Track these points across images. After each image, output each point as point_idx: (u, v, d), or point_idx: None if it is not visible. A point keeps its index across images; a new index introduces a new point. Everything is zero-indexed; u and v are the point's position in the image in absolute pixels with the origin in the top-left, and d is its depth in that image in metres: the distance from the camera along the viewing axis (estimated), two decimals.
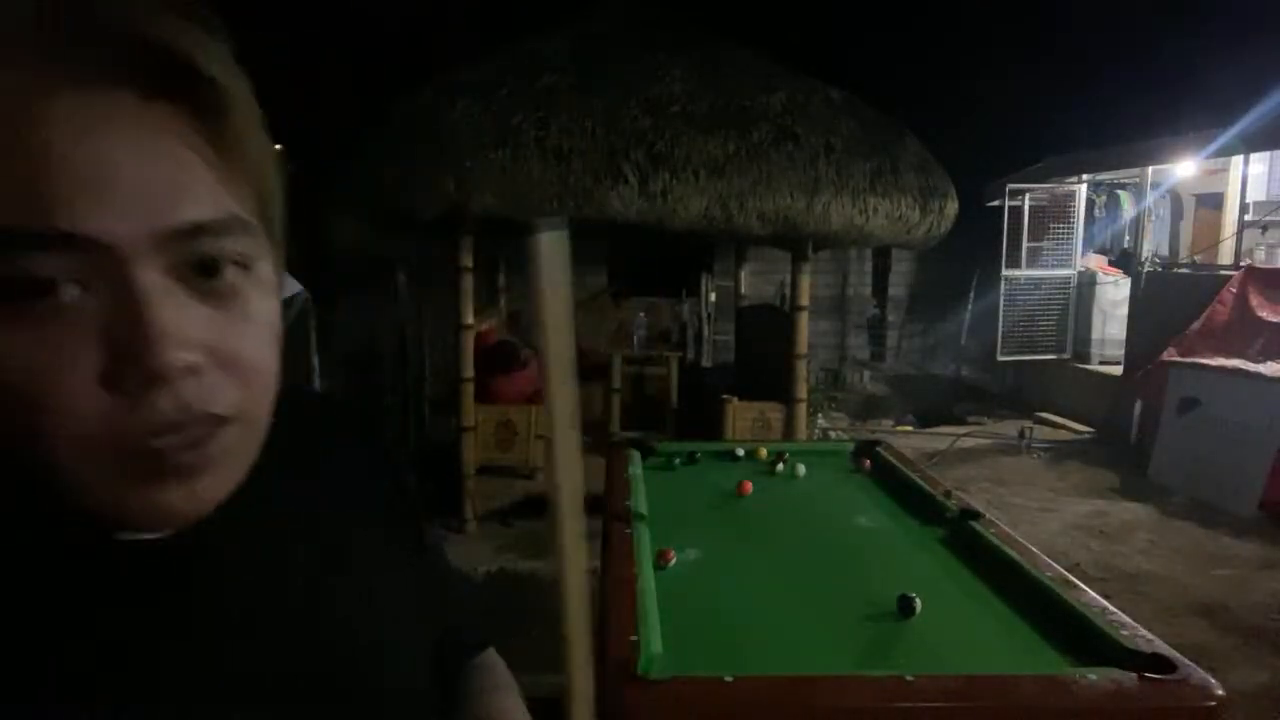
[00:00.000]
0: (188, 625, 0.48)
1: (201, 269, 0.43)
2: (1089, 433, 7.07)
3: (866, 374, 9.11)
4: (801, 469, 2.92)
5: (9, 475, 0.43)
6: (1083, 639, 1.62)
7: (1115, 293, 7.65)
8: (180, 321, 0.41)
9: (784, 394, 4.85)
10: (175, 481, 0.43)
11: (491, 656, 0.78)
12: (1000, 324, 7.95)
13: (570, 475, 0.42)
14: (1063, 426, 7.31)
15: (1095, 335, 7.82)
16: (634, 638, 1.55)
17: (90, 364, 0.40)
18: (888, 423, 7.72)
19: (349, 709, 0.52)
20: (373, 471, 0.66)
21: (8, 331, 0.39)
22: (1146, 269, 7.03)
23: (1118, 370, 7.20)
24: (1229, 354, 5.69)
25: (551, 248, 0.41)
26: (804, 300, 4.78)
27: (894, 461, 2.93)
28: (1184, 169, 7.20)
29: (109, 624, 0.45)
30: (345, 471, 0.63)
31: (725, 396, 4.98)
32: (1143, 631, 1.59)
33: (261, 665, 0.49)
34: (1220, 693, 1.40)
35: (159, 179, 0.41)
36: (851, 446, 3.27)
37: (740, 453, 3.17)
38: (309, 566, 0.53)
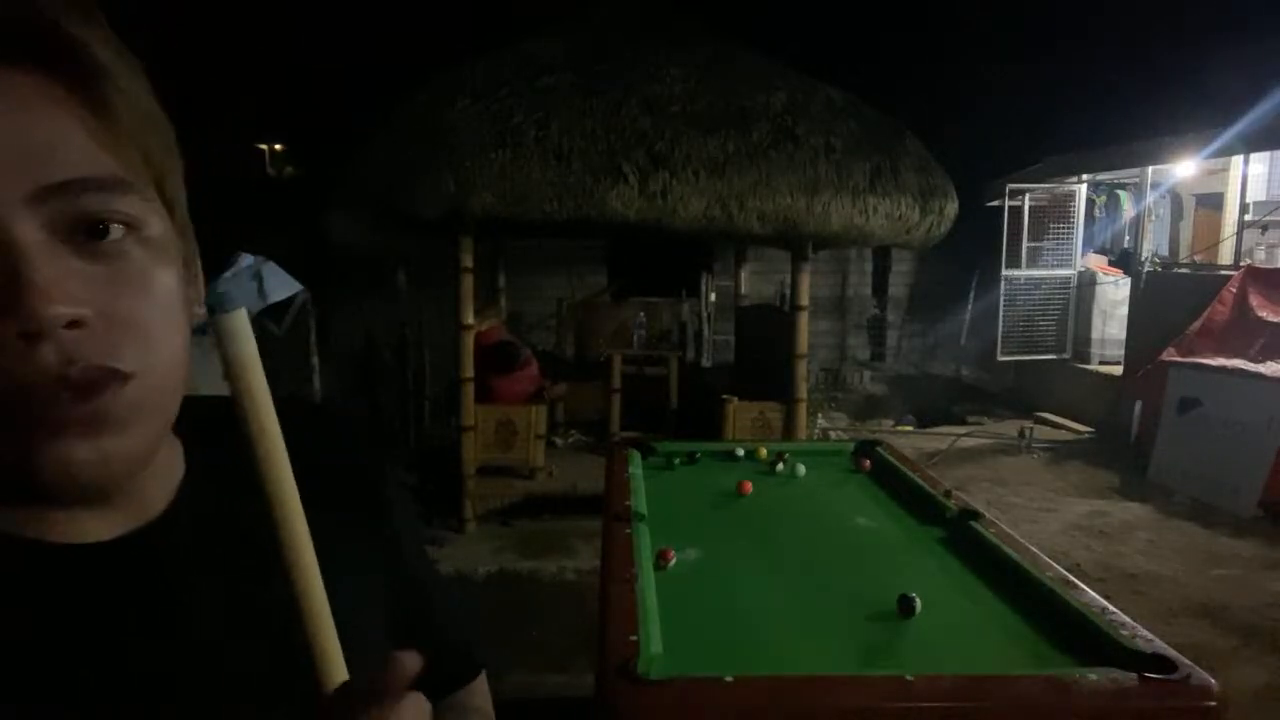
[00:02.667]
0: (138, 627, 0.48)
1: (88, 230, 0.43)
2: (1089, 433, 7.07)
3: (866, 374, 9.11)
4: (801, 469, 2.92)
5: None
6: (1083, 639, 1.62)
7: (1115, 293, 7.65)
8: (61, 277, 0.41)
9: (784, 394, 4.86)
10: (79, 437, 0.43)
11: (468, 695, 0.74)
12: (1000, 324, 7.95)
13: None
14: (1063, 426, 7.31)
15: (1095, 335, 7.82)
16: (634, 638, 1.55)
17: None
18: (888, 423, 7.72)
19: (291, 711, 0.50)
20: (352, 480, 0.65)
21: None
22: (1146, 269, 7.03)
23: (1118, 370, 7.20)
24: (1229, 354, 5.69)
25: (236, 327, 0.40)
26: (804, 300, 4.78)
27: (894, 461, 2.93)
28: (1184, 169, 7.20)
29: (64, 626, 0.46)
30: (322, 479, 0.61)
31: (725, 396, 4.98)
32: (1143, 631, 1.59)
33: (203, 666, 0.49)
34: (1220, 692, 1.40)
35: (29, 140, 0.41)
36: (851, 446, 3.27)
37: (740, 453, 3.17)
38: (260, 571, 0.51)
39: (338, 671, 0.43)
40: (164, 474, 0.54)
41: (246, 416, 0.40)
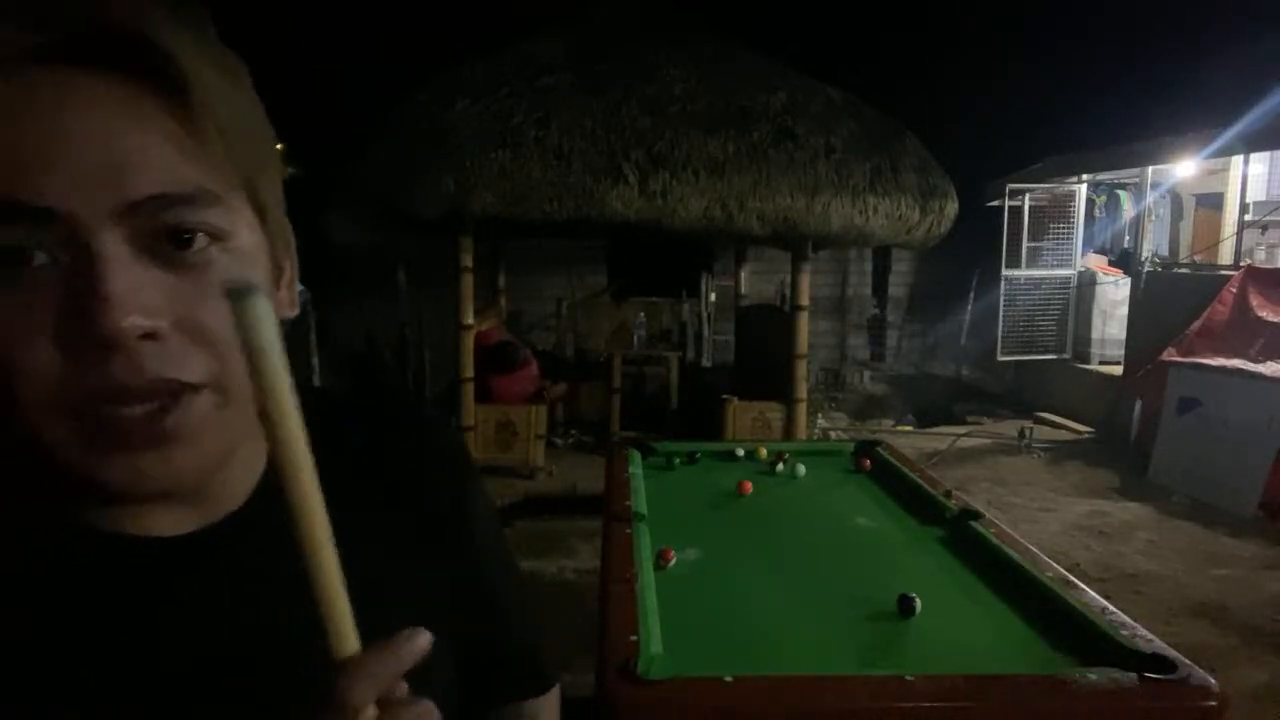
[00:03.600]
0: (214, 617, 0.49)
1: (173, 240, 0.44)
2: (1089, 433, 7.06)
3: (866, 374, 9.11)
4: (801, 469, 2.92)
5: (13, 458, 0.44)
6: (1083, 639, 1.62)
7: (1115, 293, 7.65)
8: (138, 289, 0.42)
9: (784, 394, 4.85)
10: (147, 449, 0.44)
11: (534, 707, 0.73)
12: (1000, 324, 7.95)
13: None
14: (1063, 426, 7.31)
15: (1095, 335, 7.81)
16: (634, 638, 1.55)
17: (48, 327, 0.41)
18: (888, 423, 7.71)
19: None
20: (431, 487, 0.64)
21: None
22: (1146, 269, 7.02)
23: (1118, 370, 7.19)
24: (1229, 354, 5.69)
25: (257, 309, 0.39)
26: (804, 300, 4.78)
27: (894, 461, 2.93)
28: (1184, 169, 7.20)
29: (142, 617, 0.47)
30: (398, 481, 0.62)
31: (725, 396, 4.98)
32: (1143, 631, 1.59)
33: (275, 656, 0.49)
34: (1220, 692, 1.40)
35: (116, 153, 0.42)
36: (851, 446, 3.27)
37: (740, 453, 3.17)
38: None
39: (349, 644, 0.41)
40: (247, 467, 0.54)
41: (267, 399, 0.40)
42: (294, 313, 0.55)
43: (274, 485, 0.48)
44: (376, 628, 0.43)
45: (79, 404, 0.42)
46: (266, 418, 0.40)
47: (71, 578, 0.47)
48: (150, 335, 0.42)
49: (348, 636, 0.41)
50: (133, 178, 0.42)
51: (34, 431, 0.42)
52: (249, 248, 0.48)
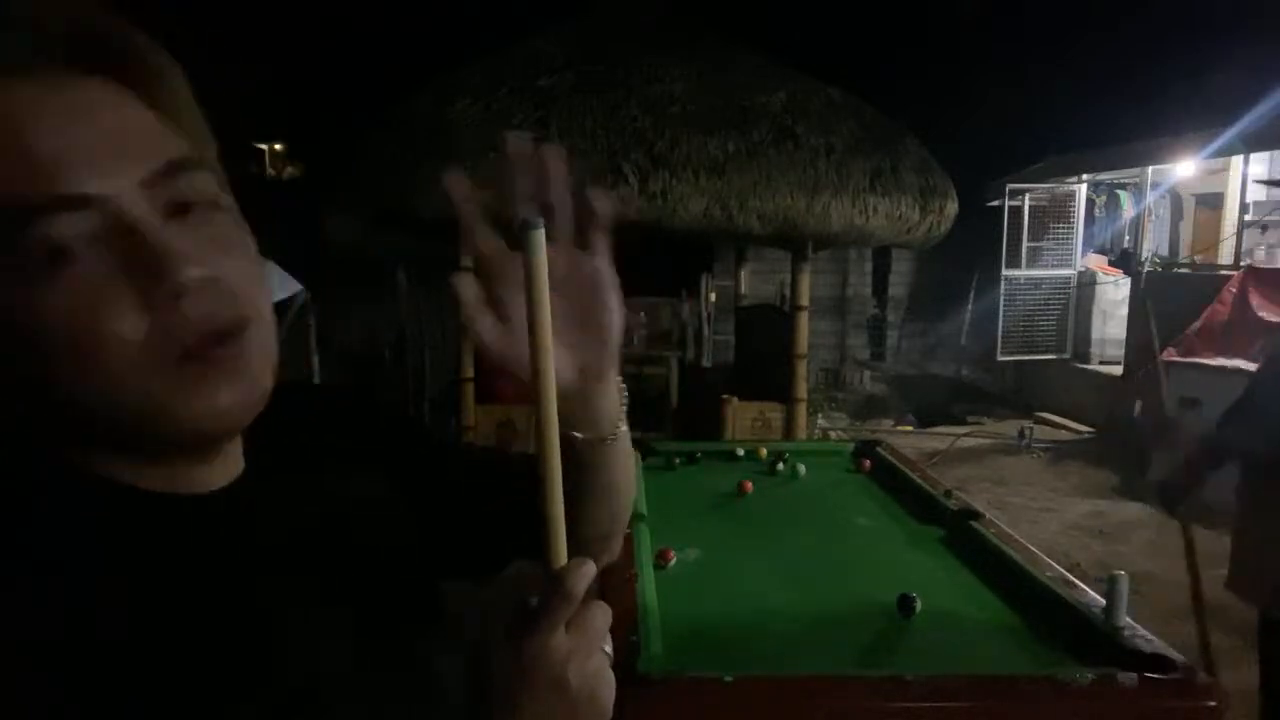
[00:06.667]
0: (250, 565, 0.54)
1: (179, 207, 0.49)
2: (1089, 433, 7.06)
3: (866, 374, 9.11)
4: (801, 469, 2.92)
5: (71, 438, 0.49)
6: (1083, 639, 1.62)
7: (1115, 293, 7.65)
8: (182, 244, 0.47)
9: (784, 394, 4.85)
10: (225, 383, 0.50)
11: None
12: (1000, 324, 7.95)
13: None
14: (1063, 426, 7.31)
15: (1095, 335, 7.81)
16: (634, 638, 1.55)
17: (122, 295, 0.46)
18: (888, 423, 7.71)
19: (383, 657, 0.59)
20: (370, 435, 0.71)
21: (42, 295, 0.45)
22: (1146, 269, 7.02)
23: (1118, 370, 7.19)
24: (1229, 354, 5.69)
25: (540, 239, 0.49)
26: (804, 300, 4.77)
27: (894, 461, 2.93)
28: (1184, 169, 7.20)
29: (209, 565, 0.51)
30: (344, 443, 0.68)
31: (725, 396, 4.97)
32: (1143, 631, 1.59)
33: (328, 599, 0.57)
34: (1220, 692, 1.40)
35: (126, 137, 0.48)
36: (851, 446, 3.27)
37: (740, 453, 3.17)
38: (326, 513, 0.61)
39: (560, 555, 0.51)
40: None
41: (534, 315, 0.49)
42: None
43: (261, 447, 0.57)
44: (368, 554, 0.58)
45: (169, 351, 0.47)
46: (533, 333, 0.50)
47: (148, 540, 0.50)
48: (211, 280, 0.48)
49: (562, 551, 0.51)
50: (147, 151, 0.48)
51: (122, 393, 0.47)
52: (232, 209, 0.54)
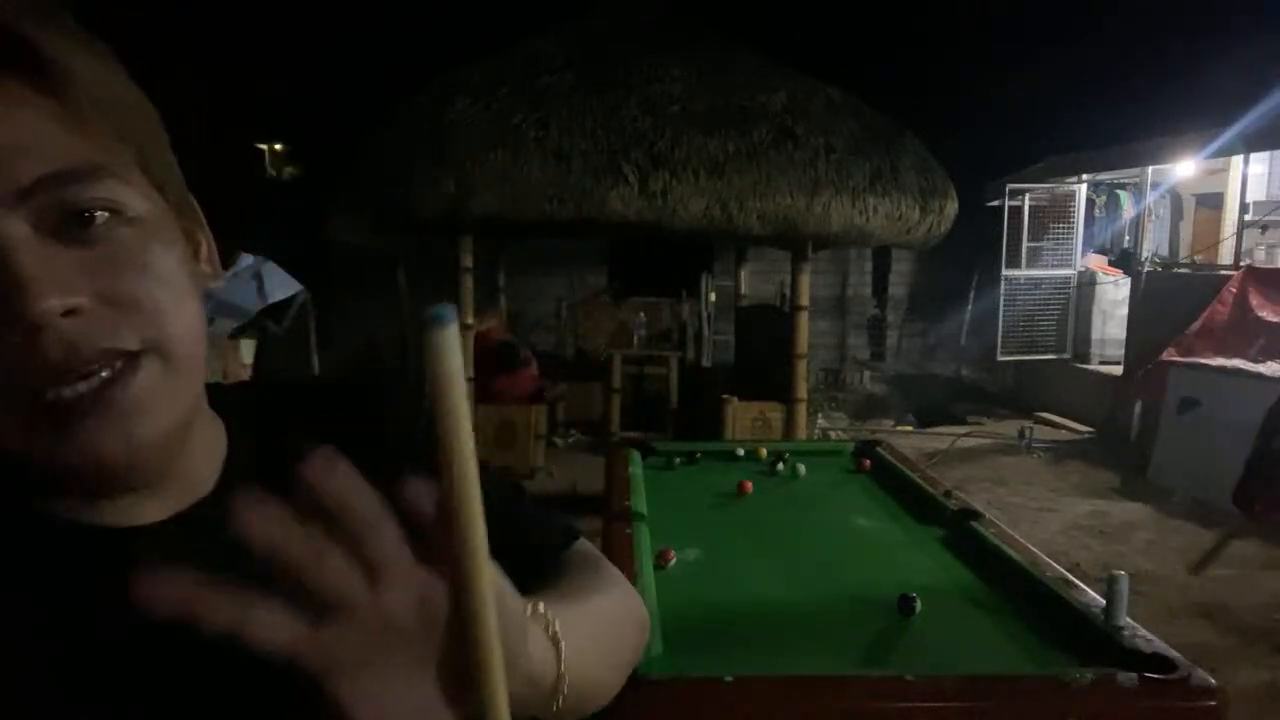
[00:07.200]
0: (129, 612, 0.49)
1: (75, 220, 0.44)
2: (1089, 433, 7.06)
3: (866, 374, 9.11)
4: (801, 469, 2.92)
5: None
6: (1083, 639, 1.62)
7: (1115, 293, 7.65)
8: (51, 270, 0.42)
9: (784, 394, 4.85)
10: (100, 422, 0.44)
11: (571, 553, 0.72)
12: (1000, 324, 7.95)
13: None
14: (1063, 426, 7.31)
15: (1095, 335, 7.81)
16: None
17: None
18: (888, 423, 7.71)
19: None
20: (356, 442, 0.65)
21: None
22: (1146, 269, 7.02)
23: (1118, 370, 7.19)
24: (1229, 354, 5.69)
25: (449, 338, 0.36)
26: (804, 300, 4.78)
27: (894, 461, 2.93)
28: (1184, 169, 7.20)
29: (123, 605, 0.47)
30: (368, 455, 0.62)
31: (725, 396, 4.98)
32: (1143, 631, 1.59)
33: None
34: (1220, 692, 1.40)
35: (8, 142, 0.42)
36: (851, 446, 3.27)
37: (740, 453, 3.17)
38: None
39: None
40: (210, 453, 0.54)
41: (444, 434, 0.38)
42: (219, 284, 0.55)
43: (239, 471, 0.51)
44: None
45: (23, 393, 0.42)
46: (442, 446, 0.39)
47: (47, 570, 0.47)
48: (73, 311, 0.43)
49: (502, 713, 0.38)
50: (22, 163, 0.43)
51: None
52: (151, 219, 0.48)
